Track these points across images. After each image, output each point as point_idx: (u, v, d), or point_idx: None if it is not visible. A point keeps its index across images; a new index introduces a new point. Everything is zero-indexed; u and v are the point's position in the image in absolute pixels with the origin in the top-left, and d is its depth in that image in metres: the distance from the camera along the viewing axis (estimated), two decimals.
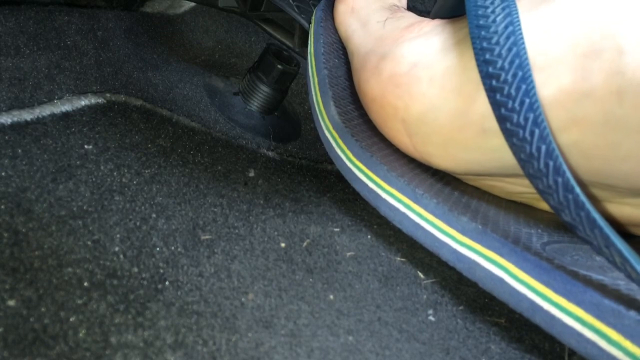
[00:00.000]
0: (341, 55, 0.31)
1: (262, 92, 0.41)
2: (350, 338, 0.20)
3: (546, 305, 0.19)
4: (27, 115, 0.28)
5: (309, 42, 0.32)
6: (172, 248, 0.23)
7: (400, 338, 0.21)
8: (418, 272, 0.27)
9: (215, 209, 0.26)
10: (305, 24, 0.35)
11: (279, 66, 0.40)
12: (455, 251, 0.22)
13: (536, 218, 0.26)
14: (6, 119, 0.27)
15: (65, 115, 0.30)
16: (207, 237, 0.24)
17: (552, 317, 0.19)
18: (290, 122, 0.45)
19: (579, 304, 0.18)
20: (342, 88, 0.29)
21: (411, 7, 0.38)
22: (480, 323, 0.23)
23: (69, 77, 0.33)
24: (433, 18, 0.26)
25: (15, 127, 0.27)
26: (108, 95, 0.34)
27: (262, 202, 0.28)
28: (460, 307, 0.24)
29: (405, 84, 0.24)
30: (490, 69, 0.19)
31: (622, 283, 0.19)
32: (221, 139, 0.37)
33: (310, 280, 0.23)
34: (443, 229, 0.22)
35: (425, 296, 0.23)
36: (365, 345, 0.20)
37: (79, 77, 0.33)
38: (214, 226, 0.25)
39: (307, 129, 0.46)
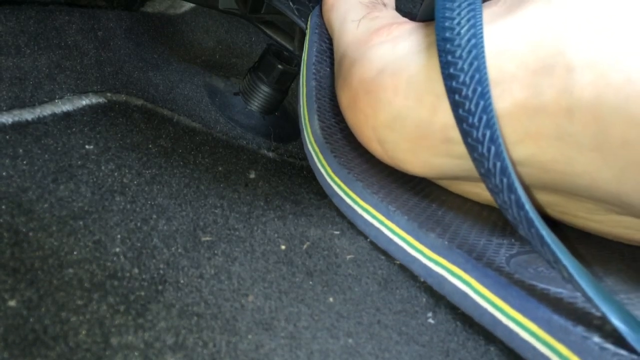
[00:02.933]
0: (332, 64, 0.31)
1: (263, 92, 0.41)
2: (350, 340, 0.21)
3: (505, 320, 0.19)
4: (27, 114, 0.28)
5: (304, 49, 0.32)
6: (173, 249, 0.23)
7: (399, 340, 0.21)
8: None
9: (216, 211, 0.26)
10: (305, 27, 0.35)
11: (280, 66, 0.40)
12: (425, 266, 0.23)
13: (511, 227, 0.26)
14: (7, 118, 0.27)
15: (66, 114, 0.30)
16: (207, 238, 0.24)
17: (511, 331, 0.19)
18: (290, 122, 0.45)
19: (532, 319, 0.18)
20: (329, 99, 0.29)
21: (410, 10, 0.38)
22: (480, 325, 0.24)
23: (70, 77, 0.33)
24: (418, 20, 0.26)
25: (16, 126, 0.27)
26: (109, 94, 0.34)
27: (262, 204, 0.28)
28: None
29: (373, 91, 0.24)
30: (454, 83, 0.19)
31: (579, 295, 0.19)
32: (222, 140, 0.37)
33: (310, 282, 0.23)
34: (413, 245, 0.23)
35: (424, 299, 0.23)
36: (364, 348, 0.20)
37: (79, 76, 0.34)
38: (214, 228, 0.25)
39: None
